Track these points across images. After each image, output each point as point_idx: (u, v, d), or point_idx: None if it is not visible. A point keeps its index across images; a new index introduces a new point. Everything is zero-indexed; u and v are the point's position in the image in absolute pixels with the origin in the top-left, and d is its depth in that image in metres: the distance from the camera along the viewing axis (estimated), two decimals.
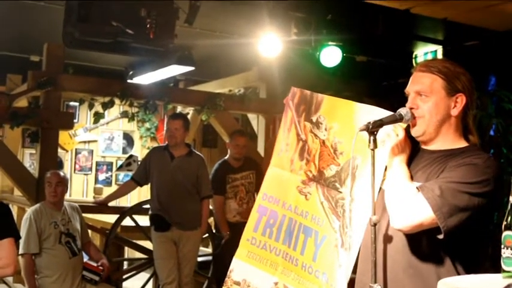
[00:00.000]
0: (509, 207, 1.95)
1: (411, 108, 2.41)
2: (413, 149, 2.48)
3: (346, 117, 2.65)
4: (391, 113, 2.42)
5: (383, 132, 2.38)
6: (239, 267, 3.01)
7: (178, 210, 6.03)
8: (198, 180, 6.13)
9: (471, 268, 2.27)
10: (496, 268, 2.00)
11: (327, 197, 2.68)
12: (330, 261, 2.60)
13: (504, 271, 1.94)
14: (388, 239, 2.43)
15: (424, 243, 2.32)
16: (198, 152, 6.50)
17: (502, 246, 1.93)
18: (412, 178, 2.38)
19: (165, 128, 6.25)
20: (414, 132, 2.44)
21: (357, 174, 2.54)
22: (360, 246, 2.46)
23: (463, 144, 2.44)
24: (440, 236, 2.21)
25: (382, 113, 2.44)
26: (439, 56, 6.99)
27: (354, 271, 2.51)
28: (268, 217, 2.94)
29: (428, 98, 2.40)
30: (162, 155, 6.11)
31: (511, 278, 1.89)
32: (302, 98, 2.88)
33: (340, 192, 2.62)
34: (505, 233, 1.93)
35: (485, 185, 2.23)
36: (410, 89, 2.46)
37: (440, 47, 6.97)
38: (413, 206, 2.25)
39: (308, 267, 2.70)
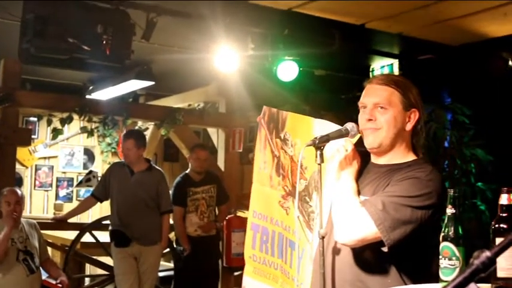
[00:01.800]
0: (446, 219, 2.00)
1: (369, 120, 2.43)
2: (363, 163, 2.50)
3: (307, 133, 2.70)
4: (342, 126, 2.45)
5: (333, 147, 2.42)
6: (250, 284, 3.09)
7: (138, 226, 6.02)
8: (158, 195, 6.14)
9: (418, 279, 2.29)
10: None
11: (301, 210, 2.73)
12: (306, 273, 2.66)
13: (442, 281, 1.99)
14: (336, 252, 2.45)
15: (370, 257, 2.34)
16: (157, 167, 6.50)
17: (440, 256, 1.99)
18: (359, 192, 2.41)
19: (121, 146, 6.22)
20: (370, 143, 2.45)
21: (320, 187, 2.57)
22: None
23: (410, 158, 2.46)
24: (385, 249, 2.24)
25: (336, 128, 2.48)
26: (395, 69, 7.10)
27: None
28: (261, 234, 3.02)
29: (387, 111, 2.42)
30: (122, 171, 6.10)
31: None
32: (270, 116, 2.96)
33: (310, 205, 2.69)
34: (443, 244, 1.98)
35: (427, 198, 2.26)
36: (367, 100, 2.47)
37: (396, 60, 7.08)
38: (356, 221, 2.27)
39: (296, 280, 2.78)
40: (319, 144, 2.37)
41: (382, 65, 7.18)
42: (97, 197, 6.35)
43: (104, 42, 4.78)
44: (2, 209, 5.25)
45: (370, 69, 7.33)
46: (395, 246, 2.23)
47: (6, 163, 6.27)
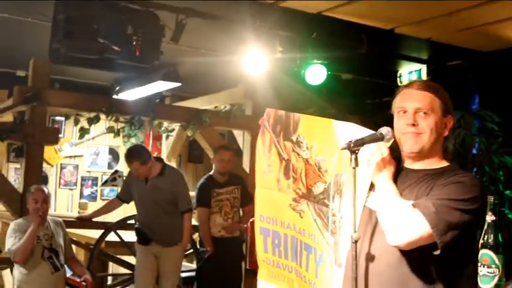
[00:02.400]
0: (486, 226, 1.99)
1: (412, 125, 2.45)
2: (396, 168, 2.49)
3: (326, 135, 2.67)
4: (368, 130, 2.46)
5: (368, 150, 2.41)
6: (265, 287, 3.06)
7: (157, 228, 6.13)
8: (174, 196, 6.19)
9: (457, 285, 2.30)
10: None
11: (319, 214, 2.70)
12: (327, 278, 2.62)
13: None
14: (371, 257, 2.44)
15: (410, 261, 2.34)
16: (172, 166, 6.57)
17: (479, 264, 1.98)
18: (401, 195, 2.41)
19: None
20: (411, 148, 2.47)
21: (344, 191, 2.56)
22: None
23: (444, 163, 2.49)
24: (437, 252, 2.24)
25: (361, 130, 2.47)
26: (423, 74, 7.06)
27: None
28: (272, 238, 2.97)
29: (429, 116, 2.45)
30: (139, 179, 6.21)
31: None
32: (277, 119, 2.91)
33: (331, 209, 2.63)
34: (482, 252, 1.98)
35: (474, 202, 2.28)
36: (408, 105, 2.48)
37: (425, 66, 7.04)
38: (410, 223, 2.27)
39: (313, 284, 2.74)
40: (354, 147, 2.36)
41: (410, 70, 7.14)
42: (122, 199, 6.54)
43: (134, 43, 4.81)
44: (28, 207, 5.30)
45: (398, 75, 7.29)
46: (445, 250, 2.23)
47: (33, 162, 6.30)
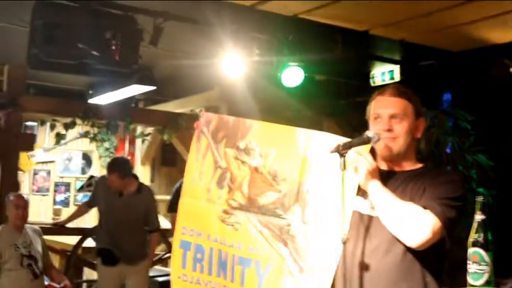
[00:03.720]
0: (475, 224, 2.04)
1: (388, 130, 2.54)
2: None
3: (287, 143, 2.63)
4: (337, 136, 2.52)
5: (352, 157, 2.44)
6: None
7: (127, 246, 5.96)
8: (145, 215, 6.10)
9: (439, 279, 2.45)
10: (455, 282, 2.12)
11: (265, 224, 2.63)
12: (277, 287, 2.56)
13: (471, 285, 2.04)
14: (365, 260, 2.49)
15: (404, 263, 2.44)
16: (146, 185, 6.49)
17: (469, 261, 2.03)
18: None
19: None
20: (387, 151, 2.56)
21: (308, 199, 2.54)
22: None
23: (419, 165, 2.63)
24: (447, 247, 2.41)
25: (329, 137, 2.51)
26: (396, 75, 7.15)
27: None
28: (194, 252, 2.82)
29: (403, 121, 2.56)
30: (109, 192, 6.00)
31: None
32: (221, 125, 2.80)
33: (284, 218, 2.59)
34: (472, 249, 2.03)
35: (463, 199, 2.45)
36: (383, 111, 2.57)
37: (398, 66, 7.13)
38: (425, 222, 2.35)
39: None
40: (342, 151, 2.40)
41: (383, 71, 7.22)
42: (91, 206, 6.43)
43: (113, 47, 4.81)
44: (8, 213, 5.28)
45: (371, 75, 7.37)
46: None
47: (9, 168, 6.28)
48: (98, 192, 6.19)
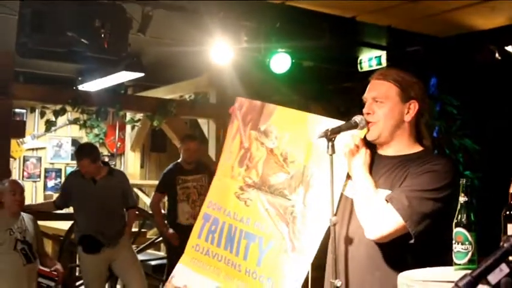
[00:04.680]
0: (459, 206, 2.12)
1: (368, 114, 2.54)
2: (371, 156, 2.58)
3: (299, 128, 2.76)
4: (341, 122, 2.55)
5: (341, 142, 2.51)
6: (181, 273, 3.06)
7: (109, 230, 6.00)
8: (123, 195, 6.16)
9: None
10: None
11: (272, 204, 2.75)
12: (276, 266, 2.67)
13: (456, 264, 2.11)
14: (350, 241, 2.54)
15: (388, 247, 2.43)
16: (116, 169, 6.52)
17: (454, 241, 2.11)
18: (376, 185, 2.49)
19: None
20: (369, 136, 2.56)
21: (312, 182, 2.65)
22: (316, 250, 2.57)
23: (417, 148, 2.58)
24: (411, 241, 2.34)
25: (334, 123, 2.57)
26: (383, 61, 7.20)
27: None
28: (211, 223, 3.00)
29: (384, 104, 2.54)
30: (82, 181, 6.01)
31: (462, 270, 2.06)
32: (251, 108, 2.99)
33: (289, 199, 2.70)
34: (456, 230, 2.11)
35: (446, 189, 2.38)
36: (368, 95, 2.59)
37: (384, 52, 7.18)
38: (384, 218, 2.37)
39: (252, 272, 2.76)
40: (331, 135, 2.46)
41: (370, 57, 7.27)
42: (57, 205, 6.31)
43: (102, 35, 4.84)
44: (3, 199, 5.31)
45: (358, 61, 7.42)
46: (419, 238, 2.34)
47: (0, 156, 6.30)
48: (69, 189, 6.16)
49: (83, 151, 6.02)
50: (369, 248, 2.47)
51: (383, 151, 2.61)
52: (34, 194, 9.93)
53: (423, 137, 2.62)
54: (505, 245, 1.31)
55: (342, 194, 2.61)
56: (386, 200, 2.39)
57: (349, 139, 2.53)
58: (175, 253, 6.67)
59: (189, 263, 3.04)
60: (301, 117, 2.79)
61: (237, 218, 2.89)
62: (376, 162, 2.58)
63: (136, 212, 6.56)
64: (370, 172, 2.53)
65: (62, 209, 6.41)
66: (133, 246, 6.66)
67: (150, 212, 6.99)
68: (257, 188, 2.84)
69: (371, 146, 2.62)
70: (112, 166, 6.44)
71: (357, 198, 2.51)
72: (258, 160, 2.88)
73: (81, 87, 7.56)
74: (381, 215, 2.38)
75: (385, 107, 2.53)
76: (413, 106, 2.54)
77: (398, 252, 2.42)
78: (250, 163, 2.91)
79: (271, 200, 2.76)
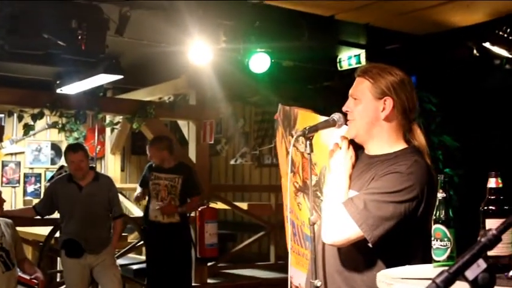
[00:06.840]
0: (437, 202, 2.10)
1: (346, 111, 2.47)
2: (358, 155, 2.51)
3: None
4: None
5: (331, 143, 2.51)
6: (295, 274, 3.19)
7: (92, 237, 5.97)
8: (109, 202, 6.13)
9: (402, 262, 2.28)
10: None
11: (313, 206, 2.68)
12: None
13: (435, 261, 2.10)
14: (323, 248, 2.49)
15: (354, 250, 2.35)
16: (103, 173, 6.51)
17: (432, 238, 2.09)
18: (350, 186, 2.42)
19: (69, 160, 6.01)
20: (347, 134, 2.48)
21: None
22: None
23: (399, 147, 2.43)
24: (369, 245, 2.25)
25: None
26: (362, 59, 7.21)
27: None
28: (291, 227, 3.15)
29: (359, 101, 2.43)
30: (68, 187, 6.00)
31: (441, 267, 2.05)
32: (284, 114, 3.10)
33: (322, 200, 2.74)
34: (435, 226, 2.09)
35: (409, 192, 2.25)
36: (349, 93, 2.49)
37: (363, 50, 7.18)
38: (338, 222, 2.28)
39: None
40: (308, 134, 2.46)
41: (349, 56, 7.27)
42: (38, 211, 6.23)
43: (79, 37, 4.79)
44: None
45: (338, 60, 7.42)
46: (378, 242, 2.24)
47: None
48: (53, 195, 6.11)
49: (77, 145, 6.14)
50: (335, 249, 2.42)
51: (367, 150, 2.50)
52: (13, 199, 9.82)
53: (412, 136, 2.47)
54: (482, 239, 1.29)
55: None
56: (344, 204, 2.31)
57: (335, 141, 2.49)
58: (152, 256, 6.70)
59: (295, 263, 3.17)
60: (314, 119, 2.82)
61: (300, 220, 3.07)
62: (358, 162, 2.49)
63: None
64: (351, 175, 2.45)
65: (43, 216, 6.29)
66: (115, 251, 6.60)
67: (131, 216, 6.96)
68: (303, 192, 2.98)
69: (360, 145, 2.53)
70: (98, 172, 6.37)
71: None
72: (298, 165, 2.98)
73: (59, 91, 7.50)
74: (335, 220, 2.30)
75: (360, 105, 2.42)
76: (389, 103, 2.38)
77: (363, 255, 2.34)
78: (294, 168, 3.01)
79: (313, 202, 2.68)
